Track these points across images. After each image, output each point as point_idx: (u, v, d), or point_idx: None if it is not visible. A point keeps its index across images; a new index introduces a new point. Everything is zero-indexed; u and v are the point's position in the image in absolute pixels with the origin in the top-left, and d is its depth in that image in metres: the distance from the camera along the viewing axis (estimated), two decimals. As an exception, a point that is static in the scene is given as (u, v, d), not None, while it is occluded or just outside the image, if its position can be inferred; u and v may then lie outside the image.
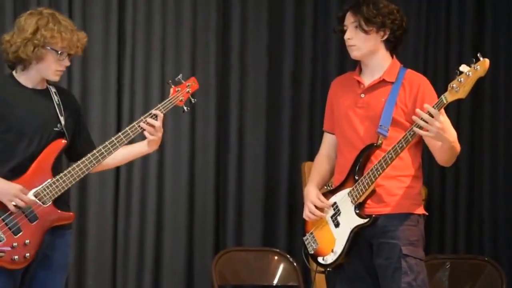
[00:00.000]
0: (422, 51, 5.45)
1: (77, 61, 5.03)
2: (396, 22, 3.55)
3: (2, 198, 3.41)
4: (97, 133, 4.94)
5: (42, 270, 3.53)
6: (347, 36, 3.56)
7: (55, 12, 3.53)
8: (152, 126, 3.56)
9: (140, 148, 3.69)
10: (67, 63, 3.51)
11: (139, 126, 3.56)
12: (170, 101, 3.64)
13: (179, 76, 3.68)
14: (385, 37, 3.56)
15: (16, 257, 3.43)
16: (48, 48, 3.44)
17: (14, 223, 3.44)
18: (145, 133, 3.57)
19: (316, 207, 3.60)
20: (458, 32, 5.47)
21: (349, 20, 3.56)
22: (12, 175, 3.46)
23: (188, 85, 3.71)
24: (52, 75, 3.51)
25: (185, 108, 3.71)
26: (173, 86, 3.68)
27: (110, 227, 5.16)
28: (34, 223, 3.46)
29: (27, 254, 3.45)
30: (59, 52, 3.46)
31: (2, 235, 3.41)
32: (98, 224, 5.14)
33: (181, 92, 3.67)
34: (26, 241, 3.44)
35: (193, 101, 3.73)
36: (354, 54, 3.59)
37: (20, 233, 3.43)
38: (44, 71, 3.49)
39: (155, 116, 3.57)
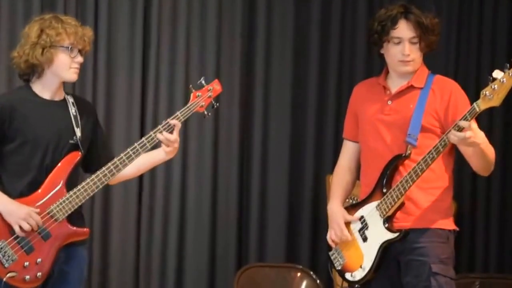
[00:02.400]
0: (453, 57, 5.39)
1: (102, 65, 5.07)
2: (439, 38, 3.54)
3: (9, 219, 3.38)
4: (121, 138, 5.00)
5: (59, 286, 3.49)
6: (406, 52, 3.44)
7: (56, 14, 3.54)
8: (168, 138, 3.48)
9: (156, 156, 3.61)
10: (80, 59, 3.48)
11: (155, 136, 3.49)
12: (189, 108, 3.54)
13: (201, 80, 3.58)
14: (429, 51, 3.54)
15: (27, 277, 3.39)
16: (57, 46, 3.42)
17: (26, 242, 3.40)
18: (162, 144, 3.51)
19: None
20: (490, 37, 5.40)
21: (407, 33, 3.44)
22: (28, 189, 3.43)
23: (210, 89, 3.59)
24: (69, 74, 3.47)
25: (206, 113, 3.59)
26: (193, 90, 3.57)
27: (133, 243, 5.15)
28: (47, 241, 3.42)
29: (39, 274, 3.41)
30: (70, 48, 3.44)
31: (14, 255, 3.38)
32: (120, 237, 5.13)
33: (202, 97, 3.56)
34: (38, 260, 3.40)
35: (215, 106, 3.61)
36: (409, 69, 3.48)
37: (33, 252, 3.40)
38: (59, 72, 3.46)
39: (171, 128, 3.48)
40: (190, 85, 3.60)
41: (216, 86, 3.60)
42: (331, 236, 3.56)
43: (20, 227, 3.37)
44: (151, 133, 3.50)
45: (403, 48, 3.43)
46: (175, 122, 3.49)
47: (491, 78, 3.16)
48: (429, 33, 3.44)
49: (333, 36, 5.39)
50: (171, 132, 3.48)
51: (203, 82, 3.57)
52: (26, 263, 3.37)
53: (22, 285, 3.38)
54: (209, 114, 3.60)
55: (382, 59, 3.57)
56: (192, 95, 3.57)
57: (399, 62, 3.46)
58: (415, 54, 3.45)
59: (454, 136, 3.24)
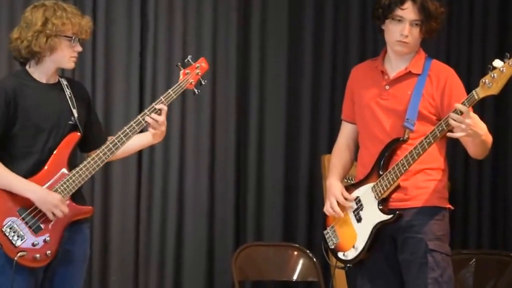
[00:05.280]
0: (444, 46, 5.39)
1: (101, 47, 5.07)
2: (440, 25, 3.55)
3: (41, 206, 3.43)
4: (120, 118, 4.99)
5: (63, 265, 3.54)
6: (406, 32, 3.45)
7: (57, 1, 3.55)
8: (156, 120, 3.55)
9: (144, 139, 3.68)
10: (79, 48, 3.53)
11: (143, 119, 3.55)
12: (180, 85, 3.63)
13: (188, 58, 3.67)
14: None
15: (37, 255, 3.43)
16: (61, 36, 3.46)
17: (34, 221, 3.44)
18: (149, 128, 3.58)
19: (338, 203, 3.57)
20: (481, 24, 5.41)
21: (411, 15, 3.45)
22: (32, 171, 3.47)
23: (198, 66, 3.68)
24: (68, 62, 3.53)
25: (195, 90, 3.69)
26: (182, 69, 3.66)
27: (132, 224, 5.16)
28: (54, 220, 3.46)
29: (48, 252, 3.45)
30: (72, 38, 3.49)
31: (23, 234, 3.43)
32: (120, 220, 5.15)
33: (190, 75, 3.65)
34: (47, 238, 3.45)
35: (203, 83, 3.69)
36: (403, 51, 3.50)
37: (41, 231, 3.44)
38: (59, 60, 3.50)
39: (159, 111, 3.55)
40: (179, 63, 3.67)
41: (203, 64, 3.69)
42: (327, 207, 3.59)
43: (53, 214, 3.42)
44: (139, 117, 3.55)
45: (403, 28, 3.45)
46: (162, 106, 3.55)
47: (491, 67, 3.18)
48: (432, 20, 3.45)
49: (327, 16, 5.39)
50: (159, 114, 3.55)
51: (190, 60, 3.66)
52: (35, 242, 3.42)
53: (32, 264, 3.43)
54: (199, 91, 3.69)
55: (381, 35, 3.59)
56: (181, 73, 3.65)
57: (396, 42, 3.48)
58: (413, 37, 3.46)
59: (453, 120, 3.25)
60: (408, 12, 3.45)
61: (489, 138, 3.40)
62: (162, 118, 3.55)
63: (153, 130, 3.58)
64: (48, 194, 3.43)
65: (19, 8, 4.77)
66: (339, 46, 5.40)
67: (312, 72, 5.36)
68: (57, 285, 3.55)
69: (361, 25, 5.37)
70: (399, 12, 3.45)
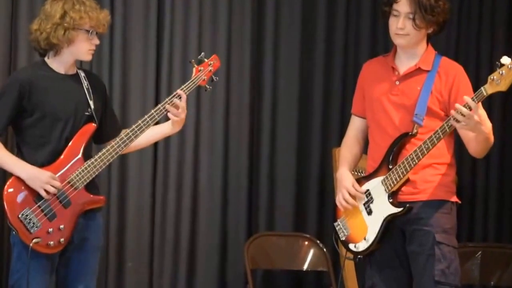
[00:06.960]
0: (454, 41, 5.41)
1: (118, 40, 5.11)
2: (446, 20, 3.55)
3: (33, 185, 3.49)
4: (137, 111, 5.02)
5: (78, 252, 3.63)
6: (400, 25, 3.50)
7: None
8: (176, 107, 3.60)
9: (164, 129, 3.74)
10: (96, 41, 3.59)
11: (164, 108, 3.61)
12: (193, 81, 3.68)
13: (201, 55, 3.72)
14: (432, 31, 3.56)
15: (51, 242, 3.52)
16: (78, 29, 3.52)
17: (49, 209, 3.52)
18: (169, 114, 3.63)
19: (350, 194, 3.60)
20: (490, 20, 5.42)
21: (404, 8, 3.50)
22: (49, 160, 3.55)
23: (210, 64, 3.74)
24: (85, 55, 3.60)
25: (207, 87, 3.74)
26: (195, 65, 3.70)
27: (148, 213, 5.20)
28: (68, 208, 3.54)
29: (62, 239, 3.53)
30: (90, 32, 3.54)
31: (38, 222, 3.50)
32: (136, 209, 5.19)
33: (203, 72, 3.71)
34: (61, 226, 3.53)
35: (215, 79, 3.74)
36: (401, 43, 3.55)
37: (55, 219, 3.52)
38: (76, 52, 3.57)
39: (179, 97, 3.61)
40: (192, 60, 3.72)
41: (215, 61, 3.75)
42: (339, 199, 3.62)
43: (46, 191, 3.48)
44: (160, 105, 3.62)
45: (398, 21, 3.50)
46: (181, 92, 3.61)
47: (499, 64, 3.21)
48: (427, 13, 3.47)
49: (339, 13, 5.41)
50: (177, 106, 3.61)
51: (203, 57, 3.71)
52: (50, 229, 3.50)
53: (46, 250, 3.52)
54: (210, 87, 3.75)
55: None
56: (194, 69, 3.70)
57: (394, 35, 3.53)
58: (409, 30, 3.50)
59: (460, 115, 3.26)
60: (402, 5, 3.50)
61: (491, 137, 3.45)
62: (182, 104, 3.60)
63: (174, 118, 3.62)
64: (38, 171, 3.48)
65: (39, 0, 4.79)
66: (350, 42, 5.41)
67: (324, 67, 5.38)
68: (72, 270, 3.63)
69: (372, 22, 5.38)
70: (395, 6, 3.52)
